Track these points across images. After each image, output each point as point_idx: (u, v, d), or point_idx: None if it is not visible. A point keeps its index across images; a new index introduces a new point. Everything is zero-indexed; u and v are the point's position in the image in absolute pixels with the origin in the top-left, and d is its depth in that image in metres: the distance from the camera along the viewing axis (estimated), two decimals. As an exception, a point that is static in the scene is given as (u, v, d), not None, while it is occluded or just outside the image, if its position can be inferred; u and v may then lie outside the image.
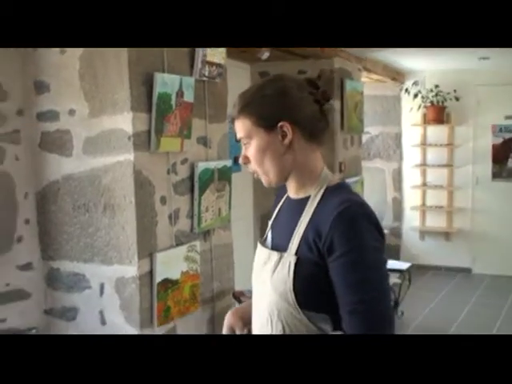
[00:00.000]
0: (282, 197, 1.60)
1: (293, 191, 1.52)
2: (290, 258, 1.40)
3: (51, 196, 2.67)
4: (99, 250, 2.59)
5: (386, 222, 7.13)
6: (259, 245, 1.57)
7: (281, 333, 1.42)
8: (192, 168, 2.80)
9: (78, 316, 2.69)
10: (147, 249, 2.55)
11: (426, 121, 6.85)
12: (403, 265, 5.54)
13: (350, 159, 4.93)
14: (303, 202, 1.46)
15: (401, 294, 5.16)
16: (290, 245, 1.42)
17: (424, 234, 7.15)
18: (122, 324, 2.57)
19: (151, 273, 2.56)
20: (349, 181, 4.85)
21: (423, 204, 7.07)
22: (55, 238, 2.69)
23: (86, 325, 2.67)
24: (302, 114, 1.44)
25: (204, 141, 2.90)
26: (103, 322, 2.64)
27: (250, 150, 1.46)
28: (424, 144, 6.94)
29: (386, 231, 5.63)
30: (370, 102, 6.47)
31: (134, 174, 2.47)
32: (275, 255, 1.44)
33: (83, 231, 2.62)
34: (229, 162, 3.05)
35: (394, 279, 5.04)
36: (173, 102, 2.58)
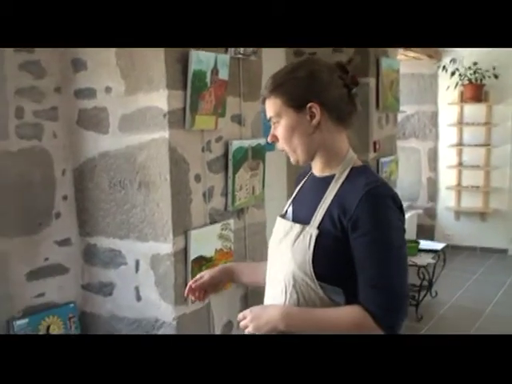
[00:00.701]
0: (304, 177, 1.68)
1: (318, 169, 1.59)
2: (311, 230, 1.47)
3: (88, 173, 2.71)
4: (135, 227, 2.63)
5: (421, 203, 7.05)
6: (279, 218, 1.65)
7: (295, 302, 1.50)
8: (226, 146, 2.80)
9: (114, 291, 2.74)
10: (182, 226, 2.57)
11: (463, 99, 6.72)
12: (438, 245, 5.49)
13: (384, 138, 4.87)
14: (328, 180, 1.53)
15: (435, 274, 5.11)
16: (313, 218, 1.49)
17: (459, 214, 7.05)
18: (156, 300, 2.61)
19: (185, 250, 2.59)
20: (383, 160, 4.80)
21: (459, 184, 6.96)
22: (92, 215, 2.73)
23: (122, 300, 2.72)
24: (331, 97, 1.51)
25: (238, 119, 2.90)
26: (138, 298, 2.68)
27: (279, 128, 1.53)
28: (461, 123, 6.81)
29: (420, 211, 5.58)
30: (405, 81, 6.37)
31: (169, 151, 2.49)
32: (297, 227, 1.52)
33: (119, 208, 2.65)
34: (263, 141, 3.04)
35: (428, 259, 4.99)
36: (208, 80, 2.58)
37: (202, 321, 2.74)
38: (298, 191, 1.68)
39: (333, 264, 1.46)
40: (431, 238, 6.68)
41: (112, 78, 2.58)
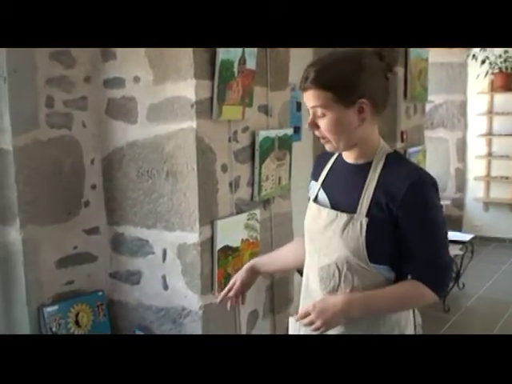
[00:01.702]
0: (328, 160, 1.74)
1: (353, 157, 1.64)
2: (361, 218, 1.56)
3: (116, 162, 2.73)
4: (162, 216, 2.65)
5: (448, 193, 6.97)
6: (315, 204, 1.70)
7: (350, 284, 1.61)
8: (253, 136, 2.80)
9: (141, 280, 2.77)
10: (208, 216, 2.59)
11: (493, 88, 6.60)
12: (466, 236, 5.42)
13: (412, 128, 4.82)
14: (365, 168, 1.60)
15: (463, 265, 5.06)
16: (359, 206, 1.57)
17: (488, 205, 6.95)
18: (183, 289, 2.63)
19: (212, 239, 2.60)
20: (411, 150, 4.75)
21: (488, 174, 6.86)
22: (120, 204, 2.76)
23: (150, 289, 2.75)
24: (378, 91, 1.56)
25: (265, 109, 2.89)
26: (165, 287, 2.70)
27: (325, 120, 1.55)
28: (490, 112, 6.70)
29: (447, 202, 5.50)
30: (434, 70, 6.27)
31: (196, 141, 2.50)
32: (344, 216, 1.59)
33: (146, 197, 2.67)
34: (290, 131, 3.03)
35: (455, 251, 4.94)
36: (235, 70, 2.57)
37: (228, 310, 2.75)
38: (328, 176, 1.72)
39: (383, 246, 1.58)
40: (459, 229, 6.60)
41: (140, 68, 2.59)
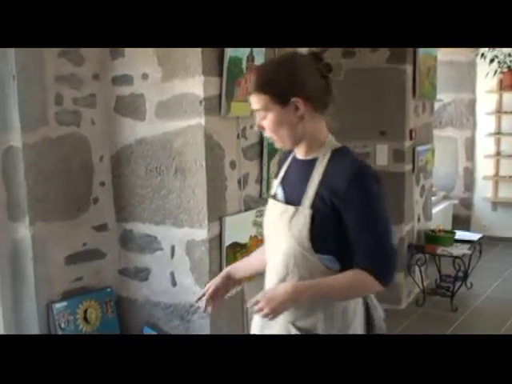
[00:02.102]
0: (287, 158, 1.84)
1: (302, 153, 1.75)
2: (305, 210, 1.66)
3: (125, 159, 2.74)
4: (170, 213, 2.65)
5: (457, 193, 6.94)
6: (272, 200, 1.81)
7: (297, 273, 1.69)
8: (261, 133, 2.78)
9: (150, 276, 2.78)
10: (217, 212, 2.59)
11: (502, 87, 6.55)
12: (474, 236, 5.39)
13: (421, 126, 4.80)
14: (312, 163, 1.70)
15: (470, 265, 5.03)
16: (304, 200, 1.66)
17: (496, 204, 6.91)
18: (191, 286, 2.63)
19: (220, 236, 2.61)
20: (419, 149, 4.73)
21: (496, 174, 6.82)
22: (129, 201, 2.77)
23: (158, 285, 2.76)
24: (312, 90, 1.66)
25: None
26: (174, 283, 2.71)
27: (267, 121, 1.67)
28: (499, 111, 6.65)
29: (455, 201, 5.43)
30: (442, 68, 6.24)
31: (205, 138, 2.50)
32: (291, 209, 1.69)
33: (155, 194, 2.68)
34: (298, 128, 3.03)
35: (463, 250, 4.91)
36: (243, 67, 2.57)
37: (236, 306, 2.76)
38: (285, 173, 1.82)
39: (327, 237, 1.67)
40: (467, 228, 6.56)
41: (149, 65, 2.59)
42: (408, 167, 4.63)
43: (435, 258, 5.01)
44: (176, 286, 2.69)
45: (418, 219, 5.04)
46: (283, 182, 1.81)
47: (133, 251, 2.80)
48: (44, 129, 2.51)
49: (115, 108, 2.72)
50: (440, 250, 4.80)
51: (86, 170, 2.70)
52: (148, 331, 2.75)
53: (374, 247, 1.65)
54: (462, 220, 6.75)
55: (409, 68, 4.41)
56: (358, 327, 1.76)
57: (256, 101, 1.68)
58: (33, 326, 2.53)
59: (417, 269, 4.86)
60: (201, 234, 2.57)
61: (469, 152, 6.98)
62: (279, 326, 1.74)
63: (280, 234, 1.72)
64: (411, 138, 4.58)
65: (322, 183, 1.66)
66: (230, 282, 1.97)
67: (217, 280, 1.96)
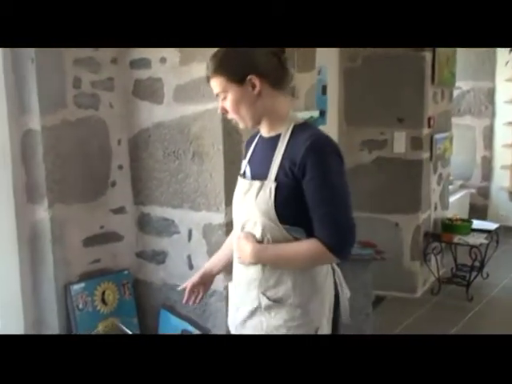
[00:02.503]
0: (254, 139, 1.92)
1: (265, 131, 1.82)
2: (270, 184, 1.73)
3: (143, 143, 2.75)
4: (188, 197, 2.66)
5: (474, 182, 6.88)
6: (240, 178, 1.88)
7: (265, 241, 1.77)
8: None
9: (167, 260, 2.80)
10: (234, 197, 2.59)
11: (522, 76, 6.47)
12: (491, 225, 5.34)
13: (439, 114, 4.76)
14: (275, 139, 1.77)
15: (487, 255, 4.99)
16: (269, 174, 1.73)
17: (514, 194, 6.85)
18: (208, 269, 2.64)
19: (237, 220, 2.61)
20: (437, 136, 4.70)
21: (515, 164, 6.75)
22: (146, 184, 2.78)
23: (175, 268, 2.77)
24: (265, 67, 1.72)
25: (291, 90, 2.88)
26: (191, 267, 2.73)
27: (227, 102, 1.75)
28: (519, 100, 6.58)
29: (473, 190, 5.38)
30: (462, 56, 6.17)
31: (223, 122, 2.50)
32: (257, 183, 1.76)
33: (173, 178, 2.69)
34: (315, 113, 3.02)
35: (480, 239, 4.88)
36: (262, 51, 2.56)
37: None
38: (252, 152, 1.90)
39: (291, 208, 1.73)
40: (484, 218, 6.51)
41: (167, 49, 2.59)
42: (426, 155, 4.60)
43: (451, 247, 4.98)
44: (193, 269, 2.70)
45: (435, 208, 5.01)
46: (250, 161, 1.88)
47: (150, 234, 2.82)
48: (62, 112, 2.53)
49: (133, 91, 2.73)
50: (456, 239, 4.78)
51: (104, 153, 2.71)
52: (164, 313, 2.76)
53: (328, 218, 1.71)
54: (478, 209, 6.70)
55: (428, 55, 4.37)
56: (326, 298, 1.86)
57: (215, 84, 1.75)
58: (51, 307, 2.56)
59: (433, 257, 4.83)
60: (218, 217, 2.58)
61: (487, 141, 6.91)
62: (251, 299, 1.85)
63: (247, 208, 1.80)
64: (429, 126, 4.54)
65: (284, 156, 1.73)
66: (207, 278, 2.11)
67: (194, 278, 2.10)
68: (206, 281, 2.12)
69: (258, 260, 1.80)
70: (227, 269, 2.15)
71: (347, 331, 2.88)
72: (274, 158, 1.75)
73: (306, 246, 1.77)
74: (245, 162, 1.93)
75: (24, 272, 2.54)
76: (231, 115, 1.78)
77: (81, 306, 2.60)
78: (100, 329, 2.65)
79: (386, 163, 4.61)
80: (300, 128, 1.76)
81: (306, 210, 1.74)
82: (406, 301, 4.68)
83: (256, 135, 1.93)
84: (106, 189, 2.73)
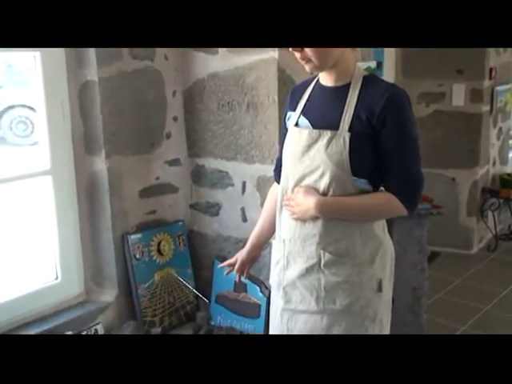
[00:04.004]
0: (302, 90, 1.87)
1: (331, 80, 1.77)
2: (343, 133, 1.70)
3: (197, 94, 2.74)
4: (242, 149, 2.65)
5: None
6: (296, 128, 1.82)
7: (331, 192, 1.74)
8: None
9: (220, 212, 2.82)
10: (288, 149, 2.57)
11: None
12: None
13: (501, 65, 4.56)
14: (344, 89, 1.73)
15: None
16: (341, 123, 1.70)
17: None
18: (262, 221, 2.64)
19: (292, 173, 2.59)
20: (499, 89, 4.52)
21: None
22: (201, 136, 2.78)
23: (228, 220, 2.79)
24: None
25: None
26: (244, 219, 2.74)
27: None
28: None
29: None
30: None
31: (278, 72, 2.46)
32: (328, 133, 1.72)
33: (227, 129, 2.68)
34: (373, 64, 2.94)
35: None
36: None
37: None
38: (307, 103, 1.84)
39: (364, 160, 1.71)
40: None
41: (222, -2, 2.55)
42: (486, 108, 4.44)
43: (509, 203, 4.85)
44: (246, 221, 2.72)
45: (494, 163, 4.87)
46: (306, 112, 1.83)
47: (204, 186, 2.84)
48: (118, 63, 2.53)
49: (188, 42, 2.71)
50: (515, 195, 4.65)
51: (159, 105, 2.72)
52: (218, 265, 2.80)
53: (403, 170, 1.72)
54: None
55: (491, 2, 4.16)
56: (388, 250, 1.86)
57: None
58: (109, 257, 2.62)
59: (490, 213, 4.73)
60: (272, 170, 2.56)
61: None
62: (308, 255, 1.81)
63: (314, 160, 1.75)
64: (491, 78, 4.37)
65: (358, 106, 1.70)
66: (255, 252, 2.11)
67: (242, 255, 2.10)
68: (253, 256, 2.13)
69: (323, 213, 1.76)
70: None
71: (405, 285, 2.88)
72: (346, 107, 1.71)
73: (378, 198, 1.76)
74: (296, 113, 1.87)
75: (83, 222, 2.60)
76: (305, 54, 1.70)
77: (138, 256, 2.66)
78: (156, 278, 2.71)
79: (443, 117, 4.48)
80: (371, 79, 1.74)
81: (374, 162, 1.73)
82: (461, 257, 4.61)
83: (304, 85, 1.89)
84: (161, 140, 2.75)
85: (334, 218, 1.78)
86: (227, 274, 2.17)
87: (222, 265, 2.20)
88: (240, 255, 2.13)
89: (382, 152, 1.72)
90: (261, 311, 2.63)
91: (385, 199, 1.75)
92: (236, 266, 2.11)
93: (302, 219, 1.81)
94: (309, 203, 1.75)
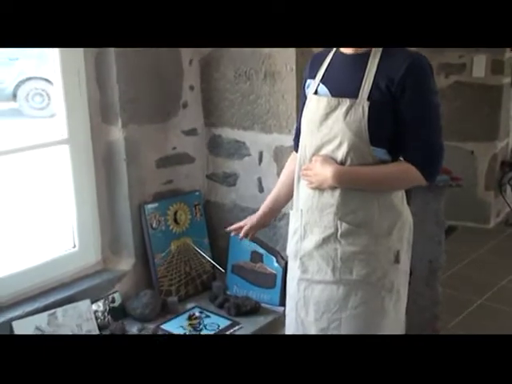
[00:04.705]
0: (321, 58, 1.85)
1: (352, 48, 1.74)
2: (362, 102, 1.67)
3: (214, 63, 2.71)
4: (259, 118, 2.63)
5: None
6: (315, 96, 1.80)
7: (349, 162, 1.73)
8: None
9: (237, 182, 2.81)
10: (306, 118, 2.54)
11: None
12: None
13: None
14: (364, 57, 1.71)
15: None
16: (361, 92, 1.68)
17: None
18: (278, 192, 2.63)
19: (309, 143, 2.57)
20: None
21: None
22: (217, 105, 2.76)
23: (245, 191, 2.79)
24: None
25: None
26: (261, 190, 2.73)
27: None
28: None
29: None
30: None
31: (296, 40, 2.42)
32: (347, 101, 1.70)
33: (244, 99, 2.66)
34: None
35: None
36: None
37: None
38: (326, 71, 1.82)
39: (383, 129, 1.69)
40: None
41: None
42: (506, 80, 4.38)
43: (529, 178, 4.80)
44: (263, 191, 2.71)
45: (514, 136, 4.81)
46: (325, 80, 1.81)
47: (221, 156, 2.83)
48: (135, 31, 2.51)
49: (205, 10, 2.68)
50: (535, 169, 4.59)
51: (175, 74, 2.70)
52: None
53: (424, 140, 1.70)
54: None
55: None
56: (406, 220, 1.85)
57: None
58: (127, 226, 2.63)
59: (508, 188, 4.68)
60: (289, 139, 2.53)
61: None
62: (325, 225, 1.81)
63: (332, 128, 1.74)
64: (514, 47, 4.28)
65: (378, 74, 1.68)
66: (267, 219, 2.20)
67: (252, 220, 2.18)
68: (263, 222, 2.21)
69: (341, 183, 1.75)
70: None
71: (421, 258, 2.86)
72: (366, 75, 1.70)
73: (397, 168, 1.75)
74: (315, 81, 1.85)
75: (100, 191, 2.60)
76: None
77: (154, 225, 2.67)
78: (173, 248, 2.72)
79: (463, 88, 4.43)
80: (390, 48, 1.71)
81: (395, 132, 1.71)
82: (478, 231, 4.58)
83: (324, 52, 1.87)
84: (177, 110, 2.73)
85: (351, 188, 1.77)
86: (234, 234, 2.29)
87: (230, 228, 2.26)
88: (250, 220, 2.20)
89: (402, 121, 1.70)
90: (276, 281, 2.64)
91: (403, 169, 1.74)
92: (243, 229, 2.20)
93: (320, 189, 1.80)
94: (326, 173, 1.74)
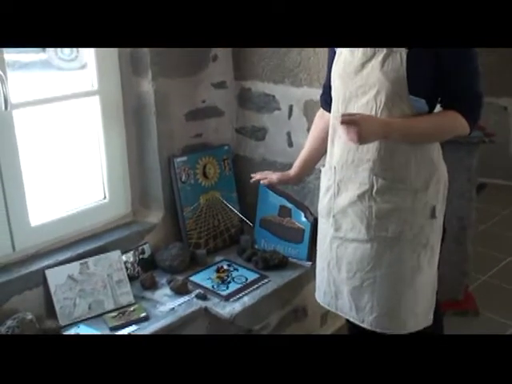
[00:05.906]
0: None
1: None
2: (400, 50, 1.63)
3: (245, 14, 2.66)
4: (289, 71, 2.59)
5: None
6: (347, 49, 1.76)
7: (385, 114, 1.69)
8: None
9: (266, 136, 2.80)
10: (337, 72, 2.50)
11: None
12: None
13: None
14: None
15: None
16: None
17: None
18: (307, 147, 2.61)
19: (340, 97, 2.53)
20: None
21: None
22: (247, 58, 2.73)
23: (274, 145, 2.78)
24: None
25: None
26: (290, 144, 2.71)
27: None
28: None
29: None
30: None
31: (329, -9, 2.36)
32: (383, 50, 1.65)
33: (275, 52, 2.61)
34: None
35: None
36: None
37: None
38: None
39: (422, 77, 1.66)
40: None
41: None
42: (545, 33, 4.21)
43: None
44: (292, 146, 2.69)
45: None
46: None
47: (250, 110, 2.81)
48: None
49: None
50: None
51: (206, 26, 2.66)
52: (263, 189, 2.79)
53: (465, 87, 1.69)
54: None
55: None
56: (442, 176, 1.82)
57: None
58: (156, 179, 2.65)
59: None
60: (319, 93, 2.50)
61: None
62: (361, 181, 1.79)
63: (368, 78, 1.70)
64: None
65: None
66: (292, 181, 2.28)
67: (278, 175, 2.27)
68: (286, 180, 2.28)
69: (390, 135, 1.68)
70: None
71: (452, 214, 2.83)
72: None
73: (446, 117, 1.72)
74: None
75: (130, 143, 2.62)
76: None
77: (183, 179, 2.68)
78: (201, 201, 2.74)
79: (499, 42, 4.27)
80: None
81: (432, 81, 1.68)
82: (509, 189, 4.52)
83: None
84: (207, 63, 2.71)
85: (396, 141, 1.71)
86: (253, 181, 2.39)
87: (255, 176, 2.36)
88: (276, 175, 2.27)
89: (441, 68, 1.67)
90: (304, 236, 2.64)
91: (453, 117, 1.70)
92: (267, 178, 2.31)
93: (360, 144, 1.72)
94: (374, 126, 1.65)
